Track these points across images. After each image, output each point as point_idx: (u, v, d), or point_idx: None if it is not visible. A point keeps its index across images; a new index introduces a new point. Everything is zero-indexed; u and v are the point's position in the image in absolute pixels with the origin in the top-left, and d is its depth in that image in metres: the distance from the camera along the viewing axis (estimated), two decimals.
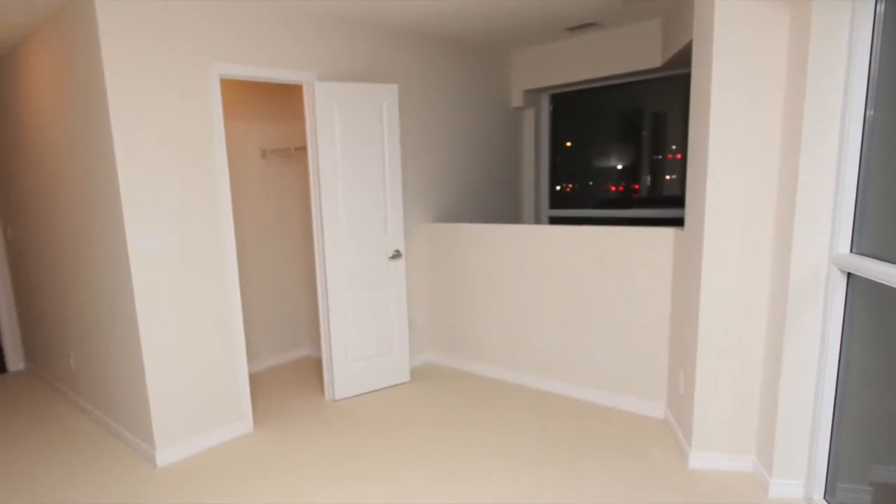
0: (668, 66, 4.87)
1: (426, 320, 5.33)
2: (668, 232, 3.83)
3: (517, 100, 6.00)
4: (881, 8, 2.40)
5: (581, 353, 4.34)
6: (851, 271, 2.54)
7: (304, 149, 5.05)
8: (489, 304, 4.85)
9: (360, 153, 4.35)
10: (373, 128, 4.38)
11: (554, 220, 6.37)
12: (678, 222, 3.94)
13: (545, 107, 6.27)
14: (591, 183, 6.26)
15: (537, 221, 6.44)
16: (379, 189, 4.48)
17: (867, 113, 2.49)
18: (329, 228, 4.31)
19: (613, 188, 6.06)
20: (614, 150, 6.01)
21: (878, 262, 2.38)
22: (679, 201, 5.29)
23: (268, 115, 5.32)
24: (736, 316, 3.12)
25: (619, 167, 5.99)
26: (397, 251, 4.63)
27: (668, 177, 5.66)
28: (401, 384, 4.82)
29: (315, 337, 5.68)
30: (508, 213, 6.18)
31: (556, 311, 4.43)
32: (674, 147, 5.53)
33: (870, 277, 2.38)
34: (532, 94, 6.12)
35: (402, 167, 4.89)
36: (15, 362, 5.71)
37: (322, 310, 4.45)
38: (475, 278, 4.91)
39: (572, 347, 4.38)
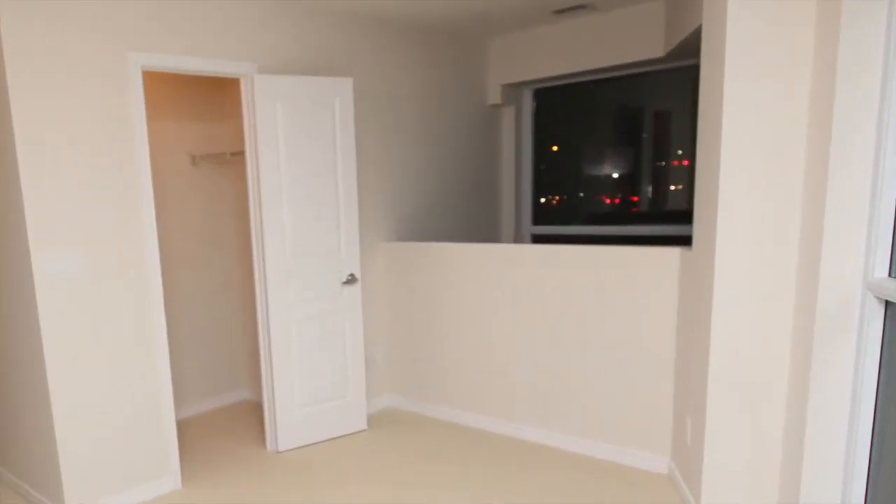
0: (672, 56, 4.89)
1: (386, 357, 5.32)
2: (672, 252, 3.85)
3: (494, 96, 6.02)
4: None
5: (570, 396, 4.32)
6: (891, 299, 2.50)
7: (241, 154, 4.98)
8: (461, 337, 4.83)
9: (308, 159, 4.35)
10: (323, 129, 4.38)
11: (538, 239, 6.40)
12: (685, 241, 3.98)
13: (527, 104, 6.31)
14: (581, 194, 6.31)
15: (518, 240, 6.45)
16: (331, 201, 4.47)
17: None
18: (271, 248, 4.27)
19: (608, 201, 6.11)
20: (609, 156, 6.06)
21: None
22: (686, 216, 5.29)
23: (199, 114, 5.31)
24: (753, 351, 3.10)
25: (615, 176, 6.05)
26: (352, 275, 4.60)
27: (672, 187, 5.71)
28: (356, 433, 4.81)
29: (255, 377, 5.57)
30: (484, 229, 6.18)
31: (540, 346, 4.41)
32: (679, 152, 5.59)
33: None
34: (512, 90, 6.14)
35: (359, 176, 4.88)
36: None
37: (263, 345, 4.42)
38: (444, 307, 4.89)
39: (559, 390, 4.36)
